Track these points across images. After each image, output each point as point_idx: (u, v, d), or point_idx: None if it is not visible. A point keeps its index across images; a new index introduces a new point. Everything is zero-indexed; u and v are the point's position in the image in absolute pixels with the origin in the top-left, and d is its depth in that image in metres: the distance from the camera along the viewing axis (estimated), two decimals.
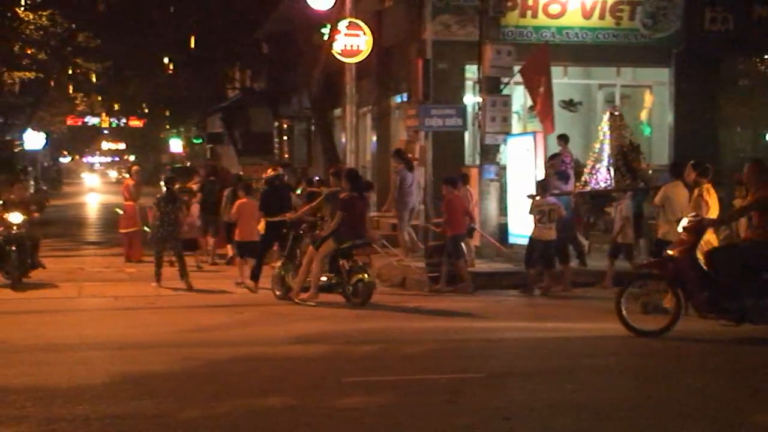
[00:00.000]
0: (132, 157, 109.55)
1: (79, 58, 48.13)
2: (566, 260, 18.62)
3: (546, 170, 20.13)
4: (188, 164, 55.06)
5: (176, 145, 78.40)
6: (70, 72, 50.79)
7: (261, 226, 18.63)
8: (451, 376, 10.89)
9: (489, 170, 21.21)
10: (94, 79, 54.85)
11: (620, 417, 9.23)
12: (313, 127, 36.02)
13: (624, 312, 13.22)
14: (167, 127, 78.74)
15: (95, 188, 70.36)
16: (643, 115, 26.11)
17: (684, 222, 13.44)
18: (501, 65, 21.24)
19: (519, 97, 23.94)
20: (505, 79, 21.66)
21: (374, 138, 28.43)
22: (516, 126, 23.41)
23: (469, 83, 24.12)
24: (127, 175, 32.42)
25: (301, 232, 17.93)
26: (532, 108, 22.90)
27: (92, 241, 30.99)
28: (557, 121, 21.58)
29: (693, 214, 13.74)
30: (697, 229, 13.23)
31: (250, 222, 19.01)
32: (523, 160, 20.70)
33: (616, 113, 21.30)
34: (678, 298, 13.04)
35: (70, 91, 59.11)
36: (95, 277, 20.73)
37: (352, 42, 24.84)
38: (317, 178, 24.39)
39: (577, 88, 25.72)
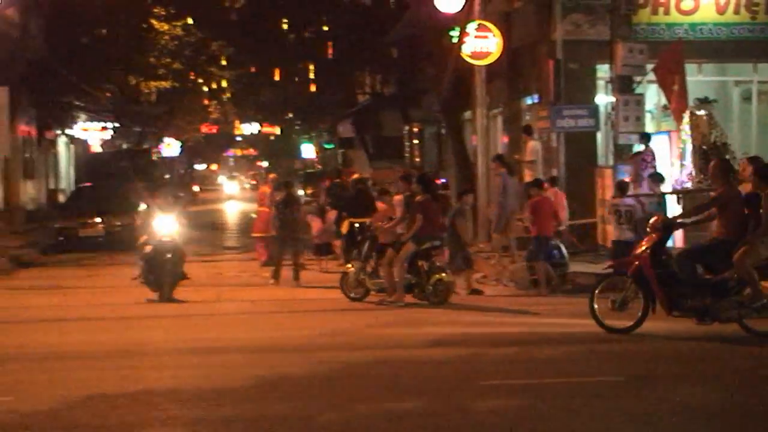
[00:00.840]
0: (265, 164, 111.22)
1: (213, 67, 49.15)
2: None
3: (634, 169, 20.12)
4: (319, 168, 55.71)
5: (308, 151, 79.28)
6: (204, 80, 51.87)
7: (344, 227, 19.12)
8: (589, 379, 10.80)
9: (623, 170, 20.95)
10: (227, 87, 55.84)
11: None
12: (443, 130, 36.05)
13: (596, 310, 13.57)
14: (299, 132, 79.72)
15: (234, 195, 70.31)
16: None
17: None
18: (633, 64, 21.01)
19: (652, 95, 23.58)
20: (638, 78, 21.39)
21: (505, 140, 28.32)
22: (649, 125, 23.07)
23: (600, 83, 23.87)
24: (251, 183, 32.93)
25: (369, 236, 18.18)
26: (665, 107, 22.55)
27: (229, 246, 31.56)
28: None
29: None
30: (660, 227, 13.39)
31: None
32: (658, 160, 20.42)
33: (698, 112, 20.78)
34: (644, 296, 13.28)
35: (205, 100, 60.32)
36: (233, 282, 21.12)
37: (481, 44, 24.79)
38: (444, 180, 24.46)
39: (712, 85, 25.18)
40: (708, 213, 13.70)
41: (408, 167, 38.17)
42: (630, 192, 18.99)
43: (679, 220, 14.38)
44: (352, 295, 17.66)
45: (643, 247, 13.43)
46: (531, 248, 18.56)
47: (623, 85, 21.15)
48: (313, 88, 52.96)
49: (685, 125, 20.55)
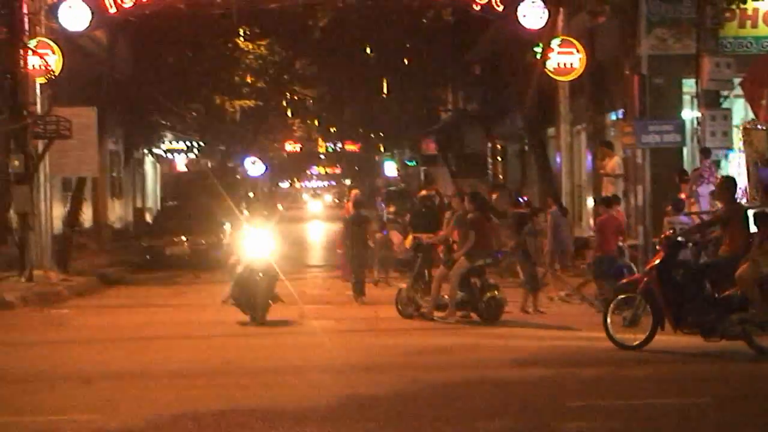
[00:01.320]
0: (348, 181, 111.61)
1: (297, 85, 49.49)
2: None
3: (690, 186, 20.03)
4: (402, 186, 55.76)
5: (390, 168, 79.40)
6: (288, 99, 52.26)
7: (408, 242, 19.70)
8: (676, 401, 10.63)
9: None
10: (310, 105, 56.20)
11: None
12: (526, 147, 35.88)
13: (609, 325, 13.80)
14: (382, 150, 79.91)
15: (318, 214, 69.24)
16: None
17: None
18: (720, 78, 20.72)
19: (739, 110, 23.20)
20: (725, 92, 21.07)
21: (589, 156, 28.08)
22: (737, 140, 22.71)
23: (686, 97, 23.54)
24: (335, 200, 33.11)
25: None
26: (753, 121, 22.18)
27: (313, 264, 31.69)
28: None
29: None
30: (668, 244, 13.67)
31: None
32: (743, 175, 20.08)
33: (749, 126, 20.35)
34: (653, 313, 13.52)
35: (288, 118, 60.75)
36: (317, 300, 21.17)
37: (565, 60, 24.69)
38: (525, 198, 24.39)
39: None
40: (712, 231, 14.09)
41: (491, 184, 38.05)
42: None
43: (679, 239, 14.29)
44: (405, 311, 17.80)
45: (650, 266, 13.80)
46: (598, 267, 18.39)
47: (710, 100, 20.87)
48: (395, 105, 53.03)
49: (739, 141, 20.19)
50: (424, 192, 24.90)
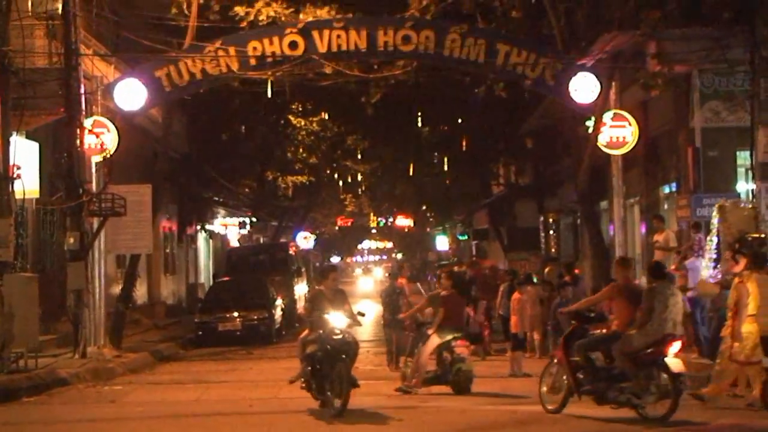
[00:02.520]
0: (399, 256, 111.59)
1: (348, 160, 49.74)
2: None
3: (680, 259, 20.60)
4: (454, 260, 55.60)
5: (442, 242, 79.35)
6: (340, 174, 52.52)
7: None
8: None
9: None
10: (362, 180, 56.41)
11: None
12: (579, 221, 35.69)
13: (541, 392, 15.01)
14: (433, 223, 79.91)
15: (368, 293, 65.49)
16: None
17: None
18: None
19: None
20: None
21: (643, 229, 27.86)
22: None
23: (741, 170, 23.35)
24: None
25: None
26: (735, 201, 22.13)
27: (364, 339, 31.51)
28: None
29: None
30: (577, 317, 15.15)
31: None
32: None
33: (727, 203, 20.05)
34: (567, 380, 14.66)
35: (340, 193, 60.99)
36: (368, 376, 20.88)
37: (617, 133, 24.62)
38: (577, 272, 24.54)
39: None
40: (597, 304, 15.92)
41: (544, 258, 37.81)
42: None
43: (571, 308, 16.04)
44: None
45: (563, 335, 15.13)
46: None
47: (765, 172, 20.64)
48: (447, 179, 53.11)
49: (714, 218, 19.94)
50: (456, 268, 25.93)
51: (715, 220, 20.14)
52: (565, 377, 14.59)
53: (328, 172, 50.61)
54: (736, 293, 14.93)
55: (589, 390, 14.40)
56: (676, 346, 13.97)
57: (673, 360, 13.84)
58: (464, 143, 44.83)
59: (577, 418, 14.38)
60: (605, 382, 14.28)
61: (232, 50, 24.69)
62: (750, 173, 22.01)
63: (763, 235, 19.68)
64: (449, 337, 17.78)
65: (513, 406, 16.14)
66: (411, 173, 52.65)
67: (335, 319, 15.43)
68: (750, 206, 20.67)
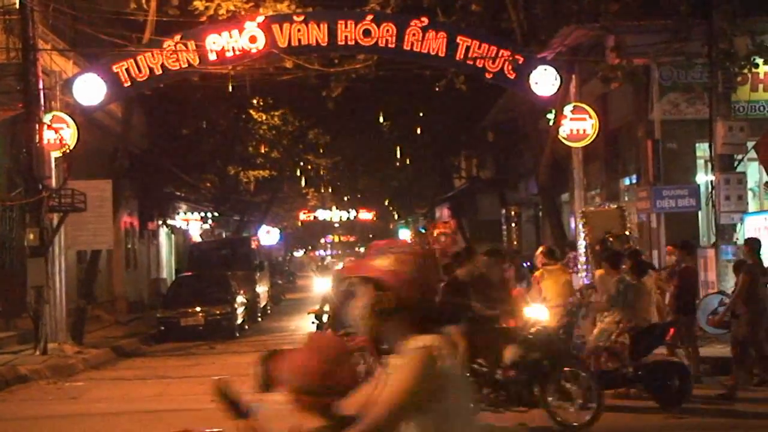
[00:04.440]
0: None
1: (310, 155, 49.71)
2: None
3: None
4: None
5: (405, 236, 79.46)
6: (302, 168, 52.47)
7: None
8: None
9: (726, 251, 20.56)
10: (324, 174, 56.40)
11: None
12: (540, 213, 35.88)
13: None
14: (396, 217, 80.00)
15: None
16: None
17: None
18: (734, 142, 20.72)
19: (754, 173, 23.18)
20: (739, 156, 21.05)
21: None
22: (752, 204, 22.67)
23: (700, 162, 23.57)
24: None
25: None
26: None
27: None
28: None
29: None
30: None
31: None
32: (762, 239, 19.96)
33: (591, 209, 21.36)
34: None
35: (302, 187, 60.94)
36: None
37: (578, 126, 24.75)
38: (527, 263, 24.43)
39: None
40: None
41: (506, 250, 37.96)
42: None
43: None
44: None
45: None
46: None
47: (724, 164, 20.84)
48: (408, 173, 53.21)
49: (579, 222, 20.54)
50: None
51: (580, 226, 20.75)
52: None
53: (291, 166, 50.52)
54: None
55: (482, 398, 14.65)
56: None
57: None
58: (426, 137, 44.93)
59: None
60: (489, 387, 14.25)
61: (191, 45, 24.59)
62: (709, 165, 22.22)
63: (627, 233, 20.45)
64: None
65: None
66: (373, 167, 52.70)
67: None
68: (615, 206, 21.33)
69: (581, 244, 21.89)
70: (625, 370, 14.57)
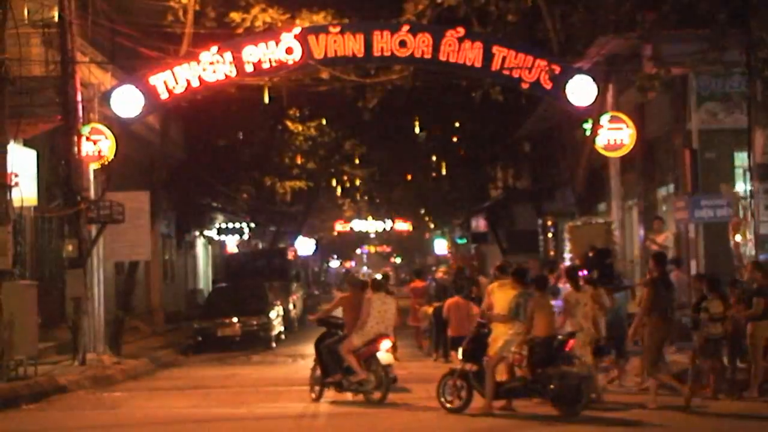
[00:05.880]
0: (398, 260, 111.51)
1: (347, 166, 49.79)
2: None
3: None
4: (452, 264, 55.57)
5: (441, 246, 79.34)
6: (338, 179, 52.56)
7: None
8: None
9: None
10: (360, 185, 56.46)
11: None
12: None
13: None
14: (432, 228, 79.90)
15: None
16: None
17: None
18: None
19: None
20: None
21: (641, 232, 27.88)
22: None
23: (738, 171, 23.38)
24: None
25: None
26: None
27: None
28: None
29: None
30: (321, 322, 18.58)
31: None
32: None
33: (578, 224, 22.18)
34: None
35: (338, 198, 61.02)
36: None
37: (615, 136, 24.66)
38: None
39: None
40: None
41: (542, 261, 37.84)
42: None
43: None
44: None
45: None
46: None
47: (763, 173, 20.67)
48: (445, 183, 53.18)
49: (566, 236, 20.67)
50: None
51: (566, 240, 20.87)
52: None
53: (327, 176, 50.64)
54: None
55: (331, 382, 17.30)
56: (387, 343, 17.14)
57: (384, 354, 17.17)
58: (461, 147, 44.87)
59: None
60: (341, 373, 17.11)
61: (228, 57, 24.69)
62: (747, 174, 22.05)
63: (609, 248, 20.77)
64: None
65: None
66: (409, 178, 52.69)
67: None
68: (602, 221, 21.49)
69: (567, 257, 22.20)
70: (522, 380, 15.48)
